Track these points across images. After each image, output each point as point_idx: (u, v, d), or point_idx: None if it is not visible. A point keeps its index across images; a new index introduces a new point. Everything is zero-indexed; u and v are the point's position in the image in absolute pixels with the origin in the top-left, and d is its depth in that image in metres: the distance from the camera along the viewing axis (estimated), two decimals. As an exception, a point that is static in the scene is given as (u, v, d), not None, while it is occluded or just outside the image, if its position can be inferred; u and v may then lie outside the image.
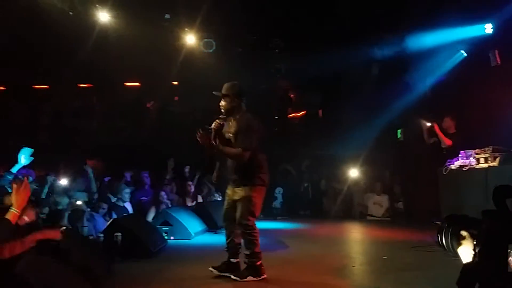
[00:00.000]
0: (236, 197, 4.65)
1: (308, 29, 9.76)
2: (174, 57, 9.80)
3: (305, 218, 9.92)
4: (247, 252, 4.60)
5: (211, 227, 7.73)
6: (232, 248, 4.77)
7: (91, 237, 5.32)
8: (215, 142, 4.60)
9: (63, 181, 6.78)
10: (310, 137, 7.90)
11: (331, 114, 10.86)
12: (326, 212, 10.29)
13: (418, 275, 4.83)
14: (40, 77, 11.70)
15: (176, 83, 12.07)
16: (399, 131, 10.68)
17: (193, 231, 7.07)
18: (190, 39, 9.46)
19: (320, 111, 11.57)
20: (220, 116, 4.75)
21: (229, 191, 4.78)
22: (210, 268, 4.75)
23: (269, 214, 9.58)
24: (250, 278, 4.55)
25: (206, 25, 9.35)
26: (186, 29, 9.40)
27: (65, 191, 6.66)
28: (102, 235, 5.51)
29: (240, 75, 9.44)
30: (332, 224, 9.03)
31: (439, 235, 5.75)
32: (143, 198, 8.09)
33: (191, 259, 5.79)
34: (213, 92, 4.75)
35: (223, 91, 4.71)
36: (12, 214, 3.47)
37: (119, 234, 5.51)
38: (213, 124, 4.69)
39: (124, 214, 7.05)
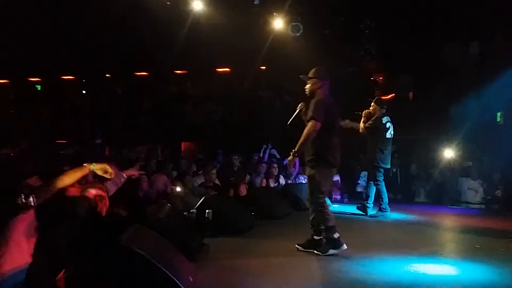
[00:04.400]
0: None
1: (400, 7, 9.39)
2: (263, 42, 10.00)
3: (393, 203, 9.72)
4: (323, 227, 4.90)
5: (297, 209, 7.89)
6: (314, 225, 5.04)
7: (184, 214, 5.71)
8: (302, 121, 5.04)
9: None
10: (399, 120, 7.71)
11: (422, 96, 10.42)
12: (416, 197, 9.97)
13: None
14: (141, 64, 12.58)
15: (264, 67, 12.30)
16: (498, 114, 10.00)
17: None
18: (278, 23, 9.56)
19: (411, 93, 11.13)
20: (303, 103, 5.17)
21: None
22: (296, 245, 5.08)
23: (354, 197, 9.51)
24: (331, 251, 4.81)
25: (294, 8, 9.39)
26: (274, 13, 9.52)
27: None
28: (194, 211, 5.90)
29: (328, 57, 9.46)
30: (421, 209, 8.76)
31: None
32: (232, 178, 8.44)
33: (277, 236, 6.03)
34: (300, 76, 5.17)
35: (309, 74, 5.12)
36: None
37: (210, 211, 5.90)
38: (298, 107, 5.21)
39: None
